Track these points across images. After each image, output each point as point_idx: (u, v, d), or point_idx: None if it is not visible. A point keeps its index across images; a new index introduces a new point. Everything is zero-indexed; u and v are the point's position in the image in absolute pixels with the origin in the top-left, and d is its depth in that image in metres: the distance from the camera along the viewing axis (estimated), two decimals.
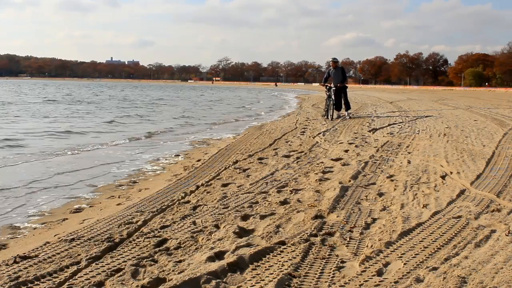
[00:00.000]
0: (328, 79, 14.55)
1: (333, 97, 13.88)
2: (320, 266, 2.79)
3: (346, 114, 14.32)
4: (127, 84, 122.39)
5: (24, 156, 7.93)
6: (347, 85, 14.66)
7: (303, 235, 3.28)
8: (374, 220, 3.70)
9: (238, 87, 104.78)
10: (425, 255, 2.92)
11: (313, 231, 3.36)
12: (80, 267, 2.77)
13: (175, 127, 14.12)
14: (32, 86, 68.13)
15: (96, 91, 53.91)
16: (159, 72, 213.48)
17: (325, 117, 14.08)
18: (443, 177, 5.35)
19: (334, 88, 14.01)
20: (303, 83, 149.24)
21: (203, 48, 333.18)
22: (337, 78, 14.23)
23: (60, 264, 2.81)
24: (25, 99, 31.14)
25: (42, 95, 38.34)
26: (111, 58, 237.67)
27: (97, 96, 40.60)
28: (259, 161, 6.52)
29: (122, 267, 2.77)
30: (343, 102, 14.29)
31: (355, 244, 3.16)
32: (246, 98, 41.76)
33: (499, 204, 4.13)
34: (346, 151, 7.35)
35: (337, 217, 3.77)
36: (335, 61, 14.52)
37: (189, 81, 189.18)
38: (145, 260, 2.87)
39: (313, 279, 2.60)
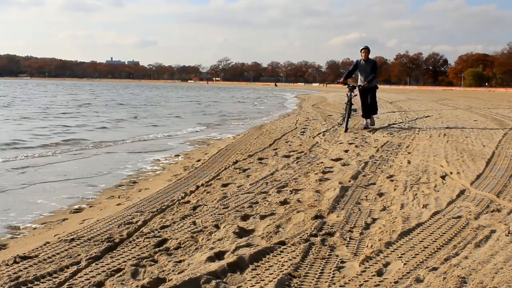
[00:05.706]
0: (352, 73, 10.82)
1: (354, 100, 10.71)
2: (320, 266, 2.78)
3: (368, 122, 10.95)
4: (130, 84, 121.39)
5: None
6: (377, 85, 11.00)
7: (303, 235, 3.28)
8: (374, 220, 3.69)
9: (222, 87, 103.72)
10: (425, 255, 2.91)
11: (313, 231, 3.36)
12: (80, 267, 2.77)
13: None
14: (63, 88, 63.98)
15: (134, 92, 52.99)
16: (159, 72, 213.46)
17: (342, 126, 10.64)
18: (443, 177, 5.35)
19: (360, 86, 10.64)
20: (303, 83, 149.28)
21: (205, 48, 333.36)
22: (366, 75, 10.50)
23: (60, 264, 2.81)
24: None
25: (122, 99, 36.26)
26: (111, 58, 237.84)
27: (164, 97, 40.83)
28: (259, 161, 6.52)
29: (122, 267, 2.76)
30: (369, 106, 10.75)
31: (355, 244, 3.15)
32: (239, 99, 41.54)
33: (499, 204, 4.13)
34: (346, 151, 7.35)
35: (337, 217, 3.77)
36: (367, 49, 10.42)
37: (189, 81, 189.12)
38: (145, 260, 2.87)
39: (313, 279, 2.60)
